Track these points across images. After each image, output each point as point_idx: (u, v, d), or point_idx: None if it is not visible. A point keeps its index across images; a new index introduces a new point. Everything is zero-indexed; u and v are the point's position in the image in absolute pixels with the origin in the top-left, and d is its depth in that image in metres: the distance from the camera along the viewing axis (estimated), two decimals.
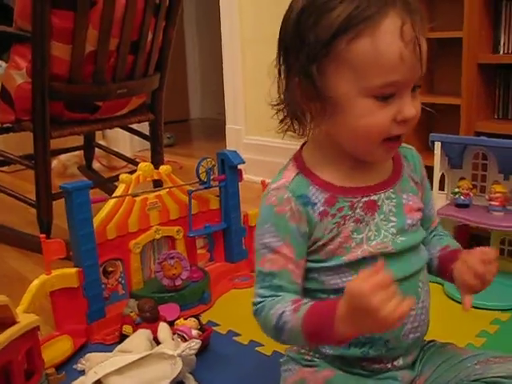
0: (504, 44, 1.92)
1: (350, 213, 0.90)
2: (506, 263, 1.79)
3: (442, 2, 2.10)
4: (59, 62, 1.91)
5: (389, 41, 0.78)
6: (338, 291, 0.89)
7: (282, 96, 0.90)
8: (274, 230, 0.89)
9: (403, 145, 1.00)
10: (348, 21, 0.78)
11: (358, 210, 0.91)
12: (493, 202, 1.73)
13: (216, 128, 4.18)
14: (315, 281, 0.93)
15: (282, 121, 0.92)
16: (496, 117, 2.01)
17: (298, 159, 0.95)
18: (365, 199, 0.91)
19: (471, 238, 1.90)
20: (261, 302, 0.90)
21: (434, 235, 1.06)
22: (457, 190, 1.80)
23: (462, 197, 1.78)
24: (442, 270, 1.01)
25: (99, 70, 2.00)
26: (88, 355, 1.25)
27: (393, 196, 0.94)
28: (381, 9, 0.78)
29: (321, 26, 0.80)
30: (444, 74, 2.14)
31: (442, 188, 1.84)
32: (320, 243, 0.91)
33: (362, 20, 0.78)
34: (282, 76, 0.89)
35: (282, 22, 0.88)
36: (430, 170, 1.81)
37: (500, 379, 0.90)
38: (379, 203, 0.93)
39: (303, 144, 0.98)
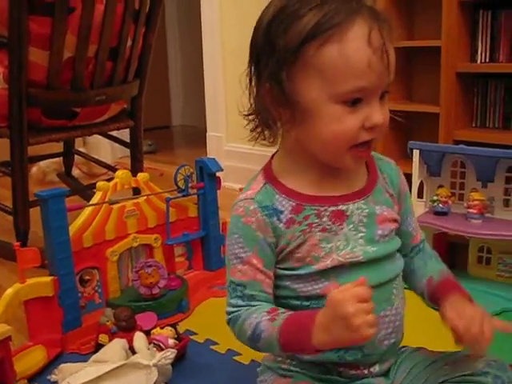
0: (482, 53, 1.94)
1: (316, 221, 0.91)
2: (484, 271, 1.80)
3: (421, 11, 2.12)
4: (37, 68, 1.89)
5: (356, 47, 0.80)
6: (310, 298, 0.92)
7: (253, 104, 0.91)
8: (242, 240, 0.91)
9: (382, 157, 1.02)
10: (316, 28, 0.80)
11: (324, 219, 0.91)
12: (471, 210, 1.74)
13: (197, 135, 4.17)
14: (288, 288, 0.93)
15: (253, 130, 0.94)
16: (474, 125, 2.02)
17: (267, 169, 0.96)
18: (332, 208, 0.92)
19: (450, 245, 1.91)
20: (234, 312, 0.91)
21: (417, 254, 1.06)
22: (435, 197, 1.80)
23: (440, 204, 1.79)
24: (433, 302, 1.01)
25: (77, 77, 1.98)
26: (61, 366, 1.23)
27: (364, 207, 0.94)
28: (348, 16, 0.80)
29: (290, 33, 0.82)
30: (423, 83, 2.15)
31: (420, 196, 1.84)
32: (287, 250, 0.91)
33: (330, 27, 0.79)
34: (253, 83, 0.90)
35: (254, 30, 0.89)
36: (408, 177, 1.82)
37: (466, 377, 0.91)
38: (348, 213, 0.92)
39: (275, 152, 0.98)
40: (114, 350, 1.25)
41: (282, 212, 0.91)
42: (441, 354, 1.00)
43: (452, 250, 1.92)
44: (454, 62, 1.89)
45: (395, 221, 0.98)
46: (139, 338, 1.29)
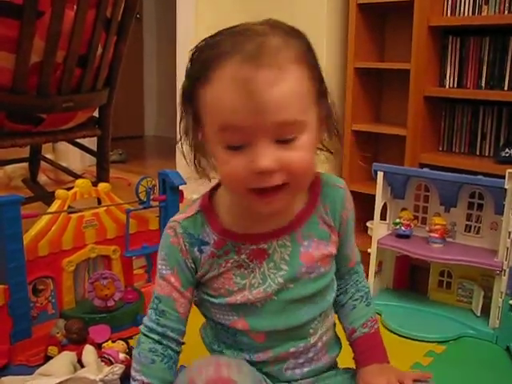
0: (450, 78, 1.96)
1: (235, 257, 0.91)
2: (444, 295, 1.81)
3: (392, 34, 2.14)
4: (2, 71, 1.85)
5: (224, 86, 0.77)
6: (224, 326, 0.95)
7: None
8: (166, 258, 0.94)
9: (331, 181, 0.98)
10: (201, 67, 0.80)
11: (243, 256, 0.91)
12: (432, 234, 1.75)
13: (169, 146, 4.14)
14: (208, 310, 0.97)
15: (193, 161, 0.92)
16: (440, 149, 2.03)
17: (205, 197, 0.96)
18: (253, 247, 0.91)
19: (411, 268, 1.91)
20: (147, 326, 0.95)
21: (351, 277, 1.05)
22: (398, 220, 1.81)
23: (402, 227, 1.79)
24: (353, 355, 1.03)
25: (44, 82, 1.95)
26: (2, 379, 1.20)
27: (288, 244, 0.92)
28: (224, 53, 0.77)
29: (190, 73, 0.84)
30: (391, 105, 2.17)
31: (383, 218, 1.84)
32: (206, 278, 0.93)
33: (207, 67, 0.79)
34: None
35: None
36: (374, 199, 1.82)
37: None
38: (270, 251, 0.91)
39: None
40: (61, 363, 1.22)
41: (207, 243, 0.92)
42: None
43: (413, 272, 1.93)
44: (423, 85, 1.91)
45: (328, 256, 0.96)
46: (88, 352, 1.27)
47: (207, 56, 0.79)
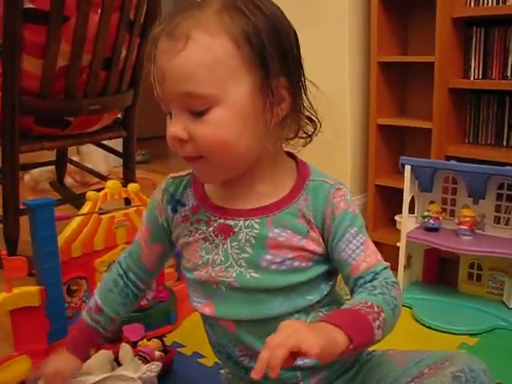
0: (474, 69, 1.94)
1: (203, 228, 0.92)
2: (474, 287, 1.80)
3: (415, 27, 2.12)
4: (30, 76, 1.89)
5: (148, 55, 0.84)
6: (202, 316, 0.98)
7: None
8: (147, 208, 1.02)
9: (319, 177, 0.92)
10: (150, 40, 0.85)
11: (210, 229, 0.91)
12: (462, 226, 1.74)
13: None
14: (190, 296, 0.98)
15: None
16: (466, 141, 2.02)
17: None
18: (221, 221, 0.90)
19: (440, 261, 1.91)
20: (119, 259, 1.08)
21: (360, 288, 0.87)
22: (426, 213, 1.80)
23: (431, 220, 1.79)
24: None
25: (71, 86, 1.98)
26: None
27: (256, 226, 0.88)
28: (159, 24, 0.83)
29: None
30: (416, 98, 2.16)
31: (411, 211, 1.84)
32: (179, 243, 0.97)
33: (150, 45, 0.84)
34: None
35: None
36: (400, 192, 1.82)
37: None
38: (235, 229, 0.89)
39: None
40: (99, 361, 1.23)
41: (184, 205, 0.95)
42: (407, 360, 0.92)
43: (442, 265, 1.92)
44: (447, 77, 1.90)
45: (299, 249, 0.88)
46: (125, 350, 1.28)
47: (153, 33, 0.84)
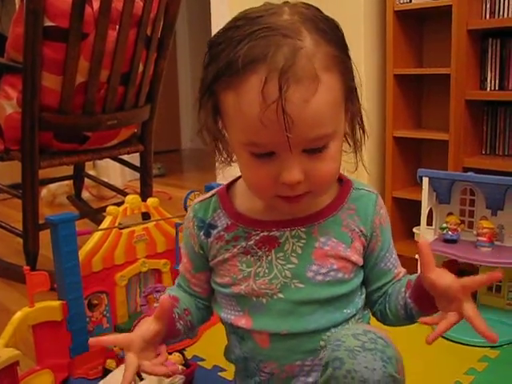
0: (491, 81, 1.94)
1: (243, 243, 0.88)
2: (494, 299, 1.79)
3: (431, 39, 2.13)
4: (50, 93, 1.92)
5: (250, 99, 0.71)
6: (232, 326, 0.92)
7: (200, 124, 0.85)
8: (184, 239, 0.97)
9: (362, 187, 0.92)
10: (223, 68, 0.73)
11: (250, 243, 0.87)
12: (481, 238, 1.73)
13: (206, 158, 4.18)
14: (219, 306, 0.95)
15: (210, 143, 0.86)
16: (484, 152, 2.02)
17: (227, 184, 0.95)
18: (264, 233, 0.87)
19: (459, 273, 1.89)
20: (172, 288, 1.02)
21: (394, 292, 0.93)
22: (445, 225, 1.80)
23: (449, 232, 1.78)
24: (417, 301, 0.89)
25: (89, 101, 2.00)
26: None
27: (303, 236, 0.86)
28: (255, 61, 0.71)
29: (210, 66, 0.77)
30: (432, 110, 2.16)
31: (429, 223, 1.84)
32: (213, 263, 0.92)
33: (234, 71, 0.72)
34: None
35: None
36: (418, 204, 1.82)
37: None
38: (281, 240, 0.86)
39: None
40: (122, 375, 1.24)
41: (215, 227, 0.91)
42: None
43: (461, 277, 1.90)
44: (464, 89, 1.90)
45: (344, 259, 0.87)
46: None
47: (233, 57, 0.72)
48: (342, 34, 0.79)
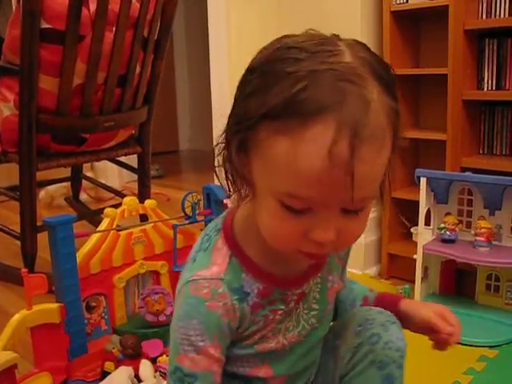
0: (488, 80, 1.94)
1: (282, 307, 0.80)
2: (492, 299, 1.79)
3: (428, 39, 2.13)
4: (47, 95, 1.91)
5: (311, 152, 0.61)
6: (238, 375, 0.84)
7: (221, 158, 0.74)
8: (202, 328, 0.74)
9: None
10: (282, 107, 0.62)
11: (291, 304, 0.81)
12: (478, 238, 1.73)
13: (205, 160, 4.18)
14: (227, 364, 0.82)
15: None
16: (481, 152, 2.02)
17: (227, 231, 0.80)
18: (298, 291, 0.82)
19: (457, 273, 1.90)
20: None
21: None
22: (443, 225, 1.80)
23: (447, 232, 1.79)
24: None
25: (86, 103, 2.00)
26: None
27: (319, 281, 0.85)
28: (323, 108, 0.60)
29: (252, 100, 0.66)
30: (430, 110, 2.16)
31: (427, 223, 1.84)
32: (245, 334, 0.80)
33: (291, 113, 0.61)
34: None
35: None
36: (415, 205, 1.82)
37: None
38: (306, 291, 0.83)
39: (237, 205, 0.81)
40: (120, 378, 1.25)
41: (248, 294, 0.77)
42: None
43: (459, 277, 1.91)
44: (461, 89, 1.90)
45: (339, 291, 0.92)
46: (145, 366, 1.29)
47: (294, 97, 0.61)
48: (394, 79, 0.68)
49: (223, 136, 0.72)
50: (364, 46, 0.68)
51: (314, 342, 0.88)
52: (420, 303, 0.96)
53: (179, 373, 0.76)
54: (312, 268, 0.82)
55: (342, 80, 0.61)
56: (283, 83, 0.62)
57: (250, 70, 0.68)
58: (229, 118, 0.71)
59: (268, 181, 0.66)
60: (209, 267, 0.76)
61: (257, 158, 0.67)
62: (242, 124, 0.66)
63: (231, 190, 0.75)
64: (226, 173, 0.73)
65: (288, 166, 0.62)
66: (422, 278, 1.82)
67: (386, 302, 0.94)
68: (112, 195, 3.11)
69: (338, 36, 0.67)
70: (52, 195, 3.36)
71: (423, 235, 1.81)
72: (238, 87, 0.70)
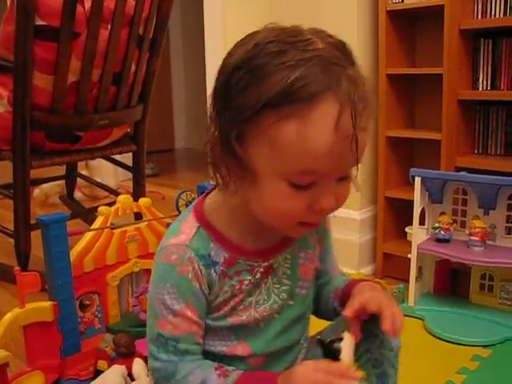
0: (483, 80, 1.94)
1: (249, 277, 0.84)
2: (486, 298, 1.79)
3: (423, 39, 2.13)
4: (41, 92, 1.91)
5: (319, 131, 0.68)
6: (217, 356, 0.86)
7: (206, 146, 0.79)
8: (175, 291, 0.80)
9: None
10: (280, 96, 0.68)
11: (258, 276, 0.85)
12: (473, 237, 1.74)
13: (200, 159, 4.17)
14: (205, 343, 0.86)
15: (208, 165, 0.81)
16: (476, 152, 2.02)
17: (197, 209, 0.86)
18: (265, 264, 0.85)
19: (451, 272, 1.90)
20: (168, 368, 0.82)
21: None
22: (437, 224, 1.80)
23: (442, 232, 1.79)
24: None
25: (81, 101, 1.99)
26: None
27: (289, 256, 0.88)
28: (320, 89, 0.68)
29: (250, 92, 0.70)
30: (425, 110, 2.16)
31: (422, 223, 1.84)
32: (214, 304, 0.84)
33: (295, 99, 0.68)
34: (210, 125, 0.78)
35: (217, 73, 0.78)
36: (410, 204, 1.82)
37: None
38: (275, 266, 0.87)
39: (208, 192, 0.89)
40: (113, 376, 1.24)
41: (216, 263, 0.82)
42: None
43: (454, 277, 1.91)
44: (456, 89, 1.90)
45: (315, 269, 0.94)
46: (138, 365, 1.28)
47: (294, 84, 0.67)
48: (352, 51, 0.76)
49: (216, 132, 0.76)
50: (323, 31, 0.75)
51: (289, 320, 0.89)
52: (370, 287, 0.88)
53: (161, 338, 0.81)
54: (281, 243, 0.87)
55: (329, 64, 0.69)
56: (277, 74, 0.68)
57: (235, 68, 0.72)
58: (217, 115, 0.76)
59: (276, 164, 0.72)
60: (177, 236, 0.83)
61: (261, 146, 0.72)
62: (240, 116, 0.71)
63: (219, 183, 0.80)
64: (216, 167, 0.78)
65: (300, 145, 0.69)
66: (416, 278, 1.82)
67: (349, 289, 0.91)
68: (107, 193, 3.10)
69: (298, 26, 0.75)
70: (46, 193, 3.35)
71: (418, 235, 1.81)
72: (225, 84, 0.74)
